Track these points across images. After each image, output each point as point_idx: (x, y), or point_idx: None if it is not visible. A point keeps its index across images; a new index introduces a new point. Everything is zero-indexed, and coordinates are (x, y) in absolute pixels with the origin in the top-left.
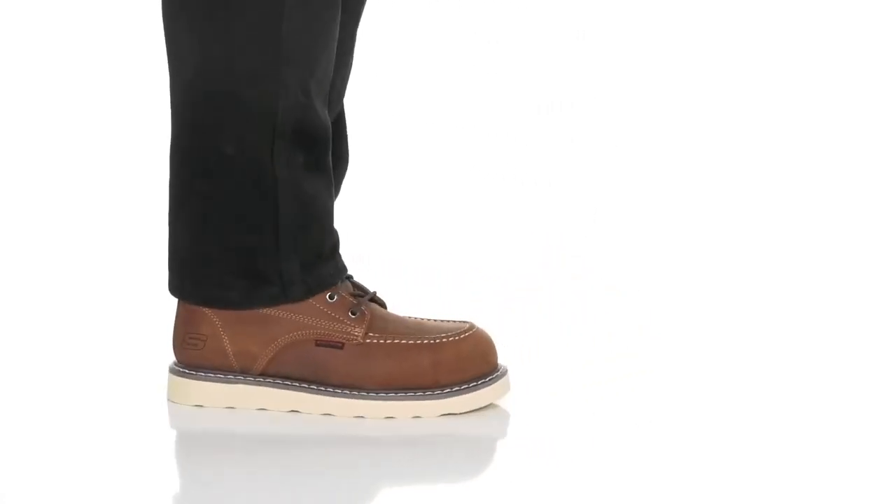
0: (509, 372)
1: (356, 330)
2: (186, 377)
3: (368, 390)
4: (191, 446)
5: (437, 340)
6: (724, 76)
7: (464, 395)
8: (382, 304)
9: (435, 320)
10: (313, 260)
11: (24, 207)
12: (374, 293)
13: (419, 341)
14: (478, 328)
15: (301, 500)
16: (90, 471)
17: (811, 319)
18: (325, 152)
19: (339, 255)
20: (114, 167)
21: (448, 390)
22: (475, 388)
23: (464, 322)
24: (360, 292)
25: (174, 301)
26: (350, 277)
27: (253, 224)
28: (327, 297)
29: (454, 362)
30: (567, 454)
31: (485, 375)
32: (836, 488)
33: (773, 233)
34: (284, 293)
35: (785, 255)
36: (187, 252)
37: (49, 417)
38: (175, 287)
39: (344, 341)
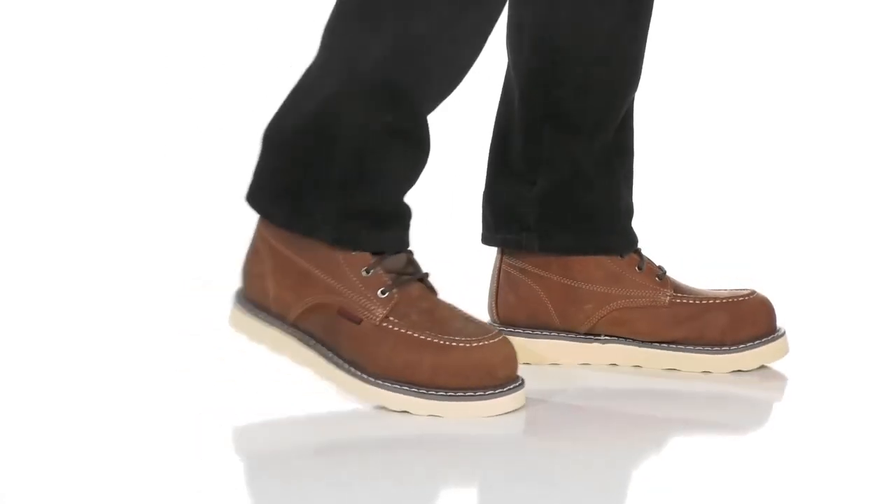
0: (522, 389)
1: (378, 310)
2: (241, 307)
3: (368, 373)
4: (190, 446)
5: (447, 342)
6: (721, 77)
7: (454, 403)
8: (432, 290)
9: (474, 319)
10: (354, 216)
11: (25, 206)
12: (426, 275)
13: (429, 339)
14: (503, 339)
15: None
16: (90, 471)
17: (811, 320)
18: (417, 124)
19: (395, 233)
20: (113, 166)
21: (443, 394)
22: (470, 398)
23: (491, 327)
24: (406, 273)
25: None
26: (410, 253)
27: (316, 157)
28: (363, 270)
29: (455, 368)
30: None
31: (484, 388)
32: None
33: (771, 232)
34: (316, 228)
35: (784, 254)
36: (263, 163)
37: (48, 417)
38: (248, 195)
39: (363, 318)
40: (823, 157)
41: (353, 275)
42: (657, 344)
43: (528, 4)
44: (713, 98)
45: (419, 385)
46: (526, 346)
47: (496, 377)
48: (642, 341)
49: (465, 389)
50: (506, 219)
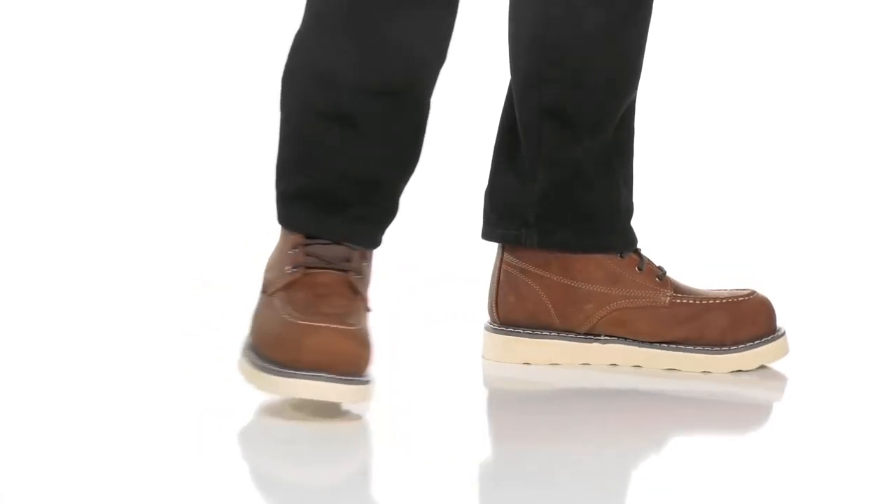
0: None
1: (279, 282)
2: None
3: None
4: (190, 446)
5: (286, 316)
6: (719, 76)
7: (261, 374)
8: (353, 289)
9: (357, 314)
10: (287, 194)
11: (25, 207)
12: (355, 272)
13: (282, 313)
14: (334, 329)
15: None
16: (90, 471)
17: (811, 320)
18: (353, 111)
19: (330, 219)
20: (113, 166)
21: (260, 363)
22: (269, 371)
23: (360, 325)
24: (335, 265)
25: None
26: (356, 249)
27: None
28: (289, 249)
29: (271, 338)
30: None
31: (286, 366)
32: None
33: (771, 232)
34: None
35: (784, 254)
36: None
37: (48, 417)
38: None
39: (266, 289)
40: (821, 155)
41: (283, 252)
42: (657, 344)
43: (523, 3)
44: (712, 97)
45: (258, 355)
46: (526, 347)
47: (300, 360)
48: (642, 341)
49: (272, 363)
50: (506, 214)
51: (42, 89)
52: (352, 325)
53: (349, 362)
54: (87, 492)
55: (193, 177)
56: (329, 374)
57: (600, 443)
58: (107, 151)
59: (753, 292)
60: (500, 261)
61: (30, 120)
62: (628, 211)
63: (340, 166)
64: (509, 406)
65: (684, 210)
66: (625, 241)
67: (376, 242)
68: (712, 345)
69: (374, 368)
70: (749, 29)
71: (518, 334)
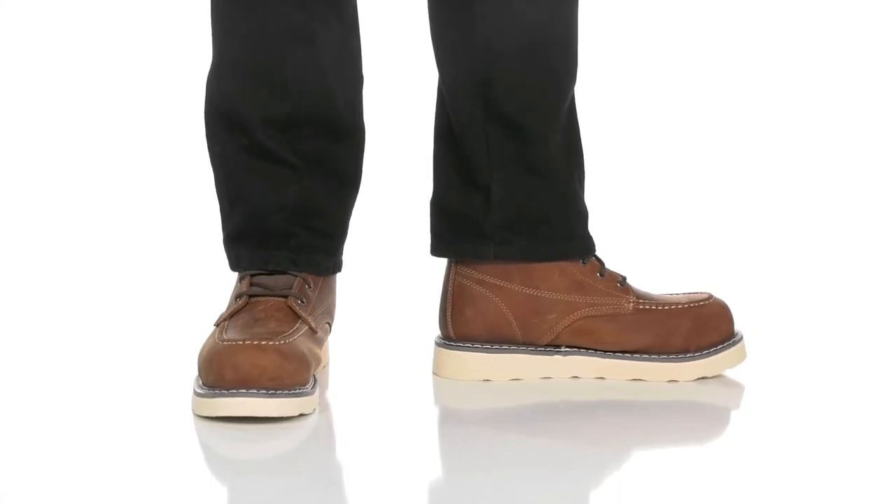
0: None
1: (226, 312)
2: None
3: None
4: (190, 446)
5: (217, 337)
6: (712, 77)
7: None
8: (294, 312)
9: (291, 335)
10: (231, 237)
11: (26, 207)
12: (295, 296)
13: (216, 336)
14: (253, 345)
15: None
16: (89, 471)
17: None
18: (259, 140)
19: (265, 251)
20: (113, 166)
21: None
22: (197, 394)
23: (285, 341)
24: (275, 292)
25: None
26: (295, 276)
27: None
28: (238, 281)
29: (200, 360)
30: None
31: (209, 386)
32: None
33: (762, 232)
34: None
35: (777, 256)
36: None
37: (49, 417)
38: None
39: (217, 321)
40: (763, 154)
41: (235, 285)
42: (620, 354)
43: (450, 7)
44: (650, 97)
45: (197, 381)
46: (482, 362)
47: (223, 379)
48: (605, 351)
49: (203, 386)
50: (458, 228)
51: (42, 90)
52: (279, 341)
53: (271, 376)
54: (86, 492)
55: (195, 177)
56: (250, 388)
57: (562, 461)
58: (108, 152)
59: (710, 296)
60: (453, 273)
61: (30, 120)
62: (585, 214)
63: (274, 200)
64: (465, 424)
65: (618, 213)
66: (584, 247)
67: (325, 269)
68: (677, 352)
69: (312, 381)
70: (706, 33)
71: (475, 349)
